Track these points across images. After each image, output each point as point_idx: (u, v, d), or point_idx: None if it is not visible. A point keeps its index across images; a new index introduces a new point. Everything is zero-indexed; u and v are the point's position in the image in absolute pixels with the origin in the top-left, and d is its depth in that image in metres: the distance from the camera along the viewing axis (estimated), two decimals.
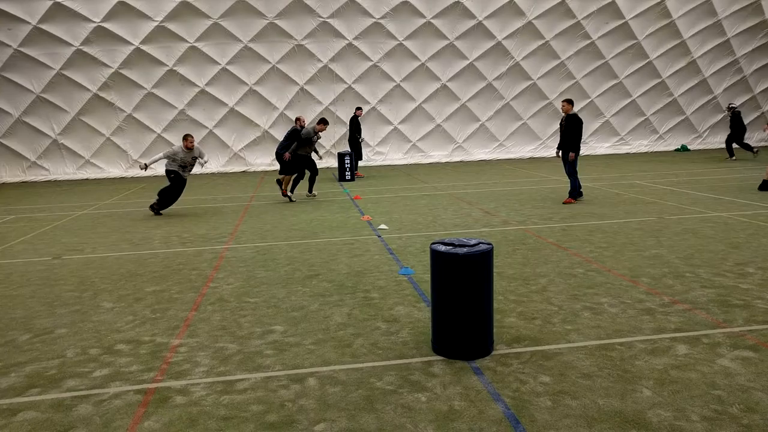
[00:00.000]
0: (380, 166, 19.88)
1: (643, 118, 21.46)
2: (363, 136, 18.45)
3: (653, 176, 14.13)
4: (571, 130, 10.33)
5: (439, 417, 3.26)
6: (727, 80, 21.35)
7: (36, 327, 5.03)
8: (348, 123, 17.06)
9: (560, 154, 10.73)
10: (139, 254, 7.75)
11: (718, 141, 22.34)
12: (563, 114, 10.57)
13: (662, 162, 17.40)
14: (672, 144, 21.92)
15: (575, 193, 10.62)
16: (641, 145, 21.78)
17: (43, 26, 17.06)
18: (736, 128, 17.85)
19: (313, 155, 12.53)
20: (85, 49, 17.55)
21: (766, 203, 9.76)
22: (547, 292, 5.44)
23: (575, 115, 10.41)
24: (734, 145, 17.76)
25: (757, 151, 17.99)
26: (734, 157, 17.78)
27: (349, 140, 16.64)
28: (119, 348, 4.47)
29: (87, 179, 18.92)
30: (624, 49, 20.26)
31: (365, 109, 19.82)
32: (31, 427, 3.33)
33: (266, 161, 19.92)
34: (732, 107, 18.44)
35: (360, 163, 17.39)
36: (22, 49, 17.30)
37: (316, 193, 12.75)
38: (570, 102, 10.51)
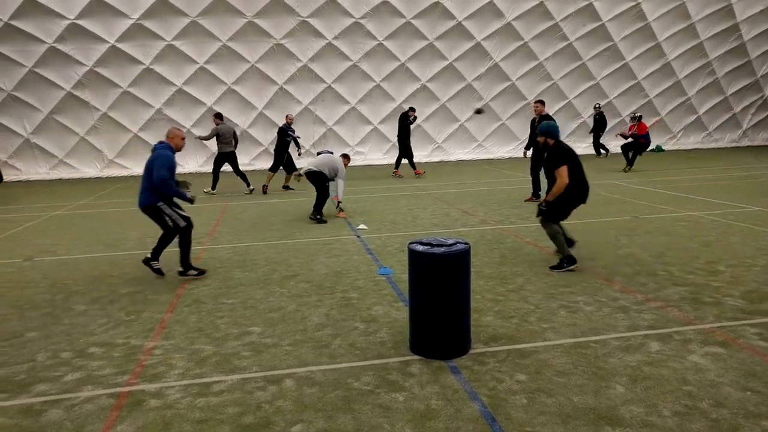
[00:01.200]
0: (360, 165, 19.86)
1: (618, 119, 21.80)
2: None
3: (628, 176, 14.36)
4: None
5: (416, 416, 3.27)
6: (701, 82, 21.83)
7: (5, 331, 4.91)
8: (399, 120, 16.09)
9: (528, 154, 11.36)
10: (113, 255, 7.62)
11: (692, 142, 22.84)
12: (536, 115, 10.84)
13: (638, 162, 17.68)
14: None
15: (537, 192, 10.89)
16: (617, 145, 22.10)
17: (15, 22, 16.65)
18: (599, 128, 19.39)
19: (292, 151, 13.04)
20: (59, 46, 17.19)
21: (737, 203, 9.99)
22: (523, 291, 5.49)
23: (547, 115, 10.60)
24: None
25: (606, 155, 19.18)
26: (606, 155, 19.48)
27: (399, 139, 15.92)
28: (92, 351, 4.39)
29: (60, 179, 18.55)
30: (601, 51, 20.57)
31: (344, 109, 19.79)
32: None
33: (245, 161, 19.72)
34: (598, 107, 19.61)
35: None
36: None
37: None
38: (542, 103, 10.80)
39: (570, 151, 6.31)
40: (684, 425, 3.08)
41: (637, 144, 15.53)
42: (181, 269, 6.32)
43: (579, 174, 6.34)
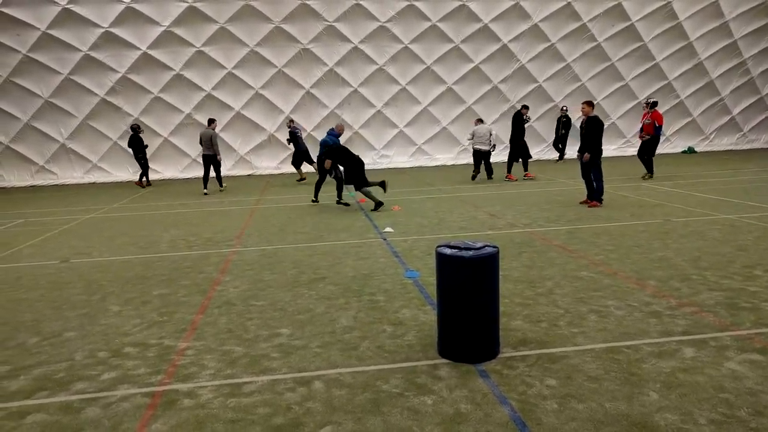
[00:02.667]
0: (386, 169, 19.90)
1: (635, 101, 21.26)
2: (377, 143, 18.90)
3: (660, 178, 14.07)
4: (592, 133, 10.24)
5: (445, 420, 3.26)
6: (734, 82, 21.25)
7: (44, 330, 5.07)
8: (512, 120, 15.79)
9: (586, 156, 10.63)
10: (146, 257, 7.79)
11: (725, 143, 22.25)
12: (583, 117, 10.48)
13: (669, 164, 17.32)
14: (679, 146, 21.82)
15: (599, 195, 10.44)
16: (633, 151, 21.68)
17: (52, 32, 17.21)
18: (564, 129, 18.92)
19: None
20: (93, 54, 17.69)
21: None
22: (553, 295, 5.43)
23: (596, 117, 10.30)
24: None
25: (561, 160, 18.47)
26: (561, 159, 19.03)
27: (511, 140, 15.45)
28: (127, 351, 4.50)
29: (94, 183, 19.05)
30: (630, 51, 20.21)
31: (370, 113, 19.87)
32: (40, 429, 3.36)
33: (272, 165, 19.99)
34: (565, 109, 19.08)
35: (367, 166, 17.47)
36: (30, 55, 17.46)
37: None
38: (590, 104, 10.41)
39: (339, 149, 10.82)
40: None
41: (647, 145, 14.12)
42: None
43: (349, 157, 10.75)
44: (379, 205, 10.93)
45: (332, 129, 12.15)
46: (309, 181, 15.69)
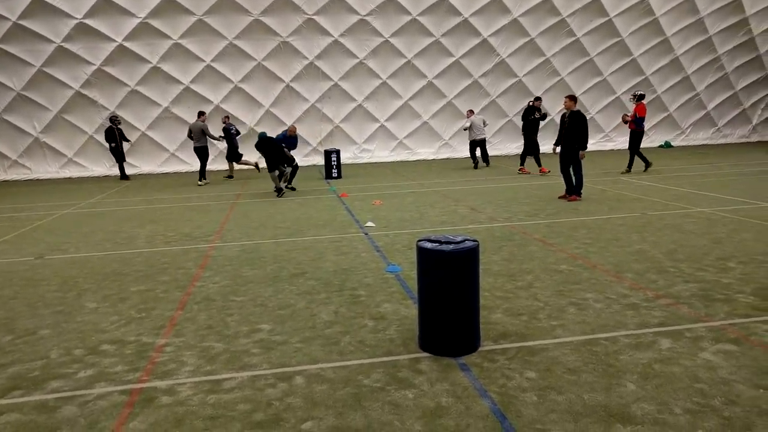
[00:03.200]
0: (366, 163, 19.86)
1: (614, 96, 21.52)
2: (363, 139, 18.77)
3: (637, 172, 14.28)
4: (576, 127, 10.28)
5: (426, 414, 3.28)
6: (710, 77, 21.64)
7: (18, 328, 4.96)
8: (524, 115, 15.52)
9: (557, 150, 10.72)
10: (123, 253, 7.67)
11: (701, 137, 22.66)
12: (566, 111, 10.52)
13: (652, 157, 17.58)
14: (656, 140, 22.16)
15: (578, 189, 10.50)
16: (625, 141, 21.89)
17: (24, 22, 16.77)
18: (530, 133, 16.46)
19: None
20: (67, 45, 17.28)
21: (748, 199, 9.92)
22: (533, 288, 5.48)
23: (578, 112, 10.35)
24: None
25: (475, 166, 17.40)
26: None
27: (525, 134, 15.23)
28: (104, 348, 4.43)
29: (70, 178, 18.67)
30: (608, 47, 20.43)
31: (351, 107, 19.78)
32: (15, 429, 3.29)
33: (252, 159, 19.78)
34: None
35: (345, 161, 17.50)
36: (1, 46, 16.99)
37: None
38: (573, 98, 10.44)
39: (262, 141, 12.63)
40: (696, 423, 3.07)
41: (634, 137, 14.07)
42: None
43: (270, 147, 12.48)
44: (278, 190, 12.52)
45: (285, 130, 14.19)
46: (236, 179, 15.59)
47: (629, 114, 14.43)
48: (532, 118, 15.11)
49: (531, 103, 15.41)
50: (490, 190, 12.25)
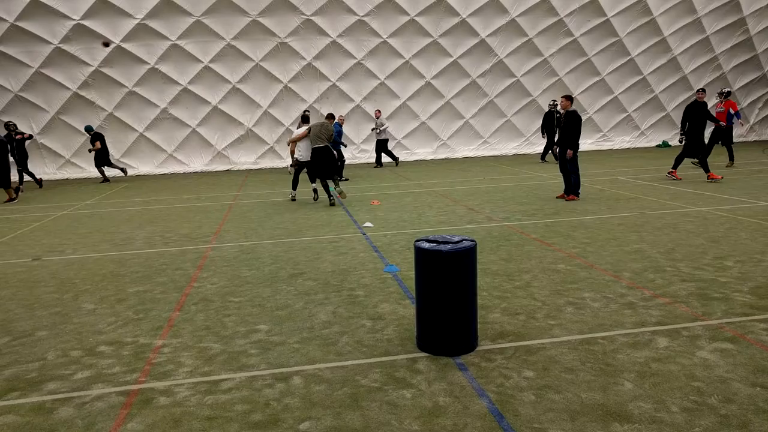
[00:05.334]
0: (365, 163, 19.87)
1: (625, 115, 21.71)
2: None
3: (635, 172, 14.30)
4: (570, 127, 10.32)
5: (424, 413, 3.28)
6: (707, 77, 21.68)
7: (15, 330, 4.95)
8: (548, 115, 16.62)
9: (557, 150, 10.78)
10: (121, 254, 7.66)
11: None
12: (561, 111, 10.58)
13: (644, 158, 17.61)
14: (653, 140, 22.21)
15: (576, 189, 10.54)
16: (623, 141, 22.05)
17: (21, 24, 16.75)
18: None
19: None
20: (64, 47, 17.27)
21: (745, 198, 9.93)
22: (530, 288, 5.48)
23: (574, 112, 10.38)
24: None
25: (396, 164, 18.64)
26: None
27: (549, 129, 16.16)
28: (101, 350, 4.42)
29: (67, 179, 18.65)
30: (606, 47, 20.46)
31: (348, 107, 19.78)
32: (12, 431, 3.28)
33: (250, 160, 19.81)
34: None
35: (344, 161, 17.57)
36: None
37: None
38: (569, 98, 10.49)
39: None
40: (693, 421, 3.07)
41: (722, 132, 14.68)
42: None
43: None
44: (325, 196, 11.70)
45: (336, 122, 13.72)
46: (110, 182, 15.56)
47: (717, 112, 14.90)
48: (555, 117, 15.85)
49: (552, 108, 16.20)
50: (488, 190, 12.26)
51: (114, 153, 18.88)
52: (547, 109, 19.16)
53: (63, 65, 17.54)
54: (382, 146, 18.08)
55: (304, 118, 12.35)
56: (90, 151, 16.81)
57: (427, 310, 4.05)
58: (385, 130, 17.89)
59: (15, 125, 15.77)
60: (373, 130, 18.15)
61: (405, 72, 19.79)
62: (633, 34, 20.37)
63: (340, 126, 14.85)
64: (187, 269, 6.72)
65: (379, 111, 18.27)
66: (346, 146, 15.09)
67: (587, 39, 20.24)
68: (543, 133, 17.72)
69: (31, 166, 18.64)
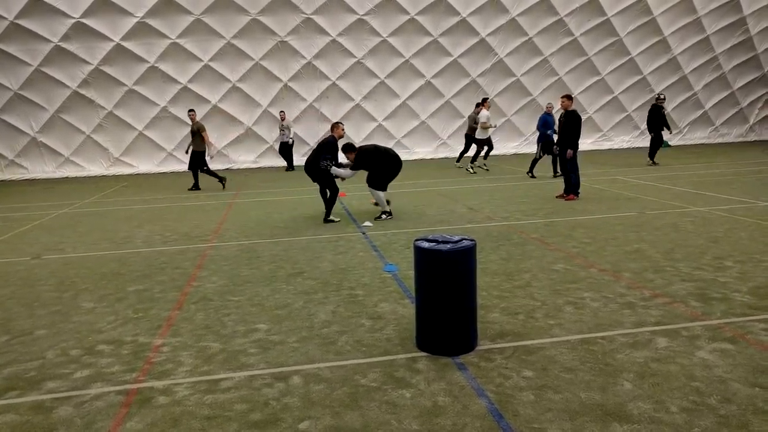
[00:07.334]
0: None
1: (625, 114, 21.69)
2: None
3: (635, 172, 14.30)
4: (570, 127, 10.32)
5: (423, 413, 3.28)
6: (707, 76, 21.68)
7: (14, 328, 4.95)
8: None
9: (557, 150, 10.81)
10: (120, 253, 7.66)
11: (698, 137, 22.70)
12: (562, 110, 10.58)
13: (644, 157, 17.61)
14: None
15: (576, 189, 10.53)
16: (623, 141, 22.04)
17: (20, 22, 16.72)
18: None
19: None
20: (64, 45, 17.24)
21: (745, 198, 9.93)
22: (530, 288, 5.48)
23: (574, 112, 10.39)
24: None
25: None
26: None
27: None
28: (101, 348, 4.42)
29: (67, 178, 18.64)
30: (606, 46, 20.45)
31: (348, 106, 19.76)
32: (11, 430, 3.28)
33: (250, 159, 19.80)
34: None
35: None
36: None
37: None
38: (569, 98, 10.48)
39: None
40: (692, 421, 3.07)
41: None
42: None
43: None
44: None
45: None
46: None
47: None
48: (659, 114, 15.67)
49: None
50: (488, 190, 12.25)
51: (113, 151, 18.88)
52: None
53: (63, 63, 17.51)
54: (286, 150, 18.26)
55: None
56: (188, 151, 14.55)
57: (426, 310, 4.05)
58: (288, 133, 17.94)
59: None
60: (281, 132, 18.21)
61: (405, 71, 19.77)
62: (633, 34, 20.36)
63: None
64: (186, 268, 6.72)
65: (284, 112, 18.30)
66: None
67: (587, 38, 20.22)
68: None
69: (31, 165, 18.68)
